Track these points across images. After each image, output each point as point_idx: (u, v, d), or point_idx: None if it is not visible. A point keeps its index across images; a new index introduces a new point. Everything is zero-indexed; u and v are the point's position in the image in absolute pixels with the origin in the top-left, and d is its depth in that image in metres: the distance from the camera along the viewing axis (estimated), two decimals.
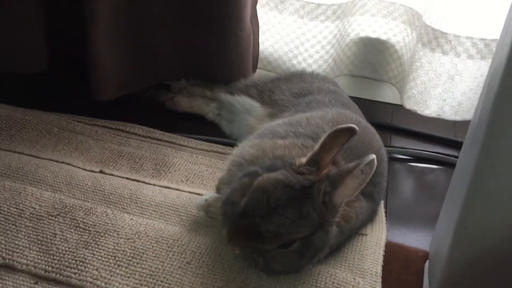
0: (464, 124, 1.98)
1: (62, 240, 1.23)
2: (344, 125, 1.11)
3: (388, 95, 2.18)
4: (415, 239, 1.48)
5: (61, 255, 1.20)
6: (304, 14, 1.90)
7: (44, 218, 1.28)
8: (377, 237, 1.37)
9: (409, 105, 1.90)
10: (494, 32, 1.69)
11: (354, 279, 1.21)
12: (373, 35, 2.02)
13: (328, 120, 1.42)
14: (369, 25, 2.01)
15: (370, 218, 1.38)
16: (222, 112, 1.88)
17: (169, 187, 1.50)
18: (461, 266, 1.07)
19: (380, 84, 2.17)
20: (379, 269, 1.26)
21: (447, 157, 1.82)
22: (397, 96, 2.09)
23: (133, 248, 1.24)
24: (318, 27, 1.91)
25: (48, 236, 1.24)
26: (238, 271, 1.20)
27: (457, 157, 1.81)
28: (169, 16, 1.80)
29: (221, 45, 1.83)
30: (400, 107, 2.14)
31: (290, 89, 1.74)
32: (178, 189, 1.50)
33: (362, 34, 2.03)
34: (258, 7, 1.96)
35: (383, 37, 2.01)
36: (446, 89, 1.80)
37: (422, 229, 1.54)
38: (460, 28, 1.70)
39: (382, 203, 1.55)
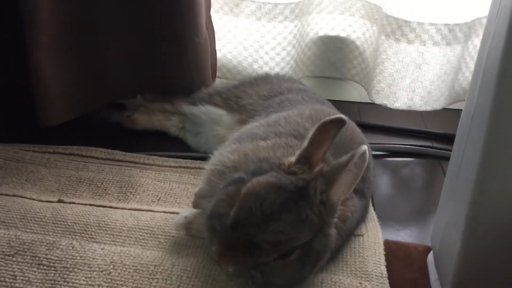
0: (432, 114, 1.96)
1: (24, 281, 1.06)
2: (332, 117, 1.02)
3: (352, 93, 2.13)
4: (409, 235, 1.41)
5: None
6: (262, 16, 1.82)
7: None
8: (374, 236, 1.28)
9: (378, 99, 1.85)
10: (456, 16, 1.67)
11: (361, 283, 1.11)
12: (332, 33, 1.97)
13: (307, 116, 1.33)
14: (327, 23, 1.95)
15: (363, 216, 1.29)
16: (186, 125, 1.75)
17: (140, 209, 1.35)
18: (476, 254, 1.00)
19: (344, 83, 2.11)
20: (384, 270, 1.17)
21: (424, 148, 1.78)
22: (363, 94, 2.04)
23: (109, 280, 1.08)
24: (277, 28, 1.83)
25: (7, 279, 1.06)
26: None
27: (431, 147, 1.78)
28: (117, 28, 1.67)
29: (178, 53, 1.71)
30: (366, 104, 2.10)
31: (257, 92, 1.64)
32: (150, 210, 1.35)
33: (321, 33, 1.97)
34: (212, 12, 1.86)
35: (342, 34, 1.96)
36: (414, 79, 1.76)
37: (414, 224, 1.47)
38: (423, 15, 1.67)
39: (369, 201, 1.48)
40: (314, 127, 1.03)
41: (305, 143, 1.04)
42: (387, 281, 1.14)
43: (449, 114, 2.03)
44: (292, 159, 1.06)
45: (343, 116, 1.03)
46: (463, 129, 1.08)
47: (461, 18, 1.67)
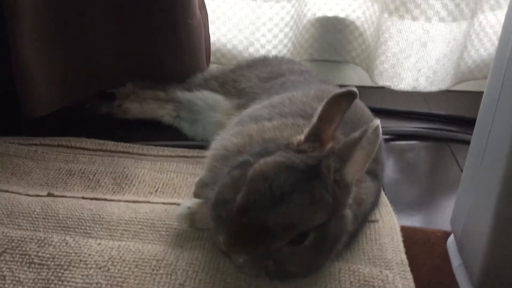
0: (435, 96, 1.89)
1: (14, 282, 0.96)
2: (343, 89, 0.95)
3: (352, 77, 2.04)
4: (423, 220, 1.33)
5: None
6: None
7: None
8: (389, 222, 1.20)
9: (382, 81, 1.77)
10: None
11: (381, 272, 1.03)
12: (330, 14, 1.88)
13: (313, 96, 1.24)
14: (325, 3, 1.87)
15: (377, 199, 1.21)
16: (181, 113, 1.65)
17: (137, 201, 1.25)
18: (508, 236, 0.92)
19: (343, 66, 2.03)
20: (404, 257, 1.09)
21: (433, 131, 1.71)
22: (363, 77, 1.96)
23: (108, 278, 0.99)
24: (273, 8, 1.74)
25: None
26: (246, 283, 0.98)
27: (437, 129, 1.71)
28: (106, 12, 1.56)
29: (171, 37, 1.61)
30: (367, 88, 2.02)
31: (257, 75, 1.55)
32: (148, 202, 1.25)
33: (319, 14, 1.89)
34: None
35: (341, 15, 1.88)
36: (419, 58, 1.69)
37: (427, 208, 1.40)
38: None
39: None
40: (324, 101, 0.95)
41: (315, 119, 0.96)
42: (408, 269, 1.06)
43: (452, 95, 1.97)
44: (301, 137, 0.98)
45: (354, 89, 0.95)
46: (485, 111, 1.01)
47: None
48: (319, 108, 0.95)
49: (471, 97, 2.00)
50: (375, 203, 1.19)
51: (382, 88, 1.81)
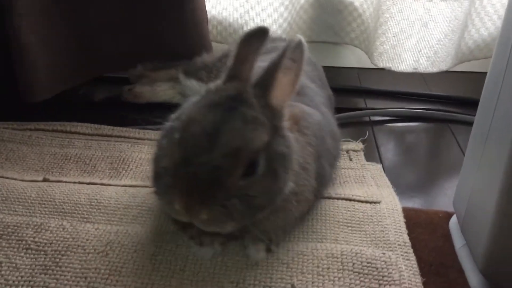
0: (434, 77, 1.86)
1: (10, 268, 0.94)
2: (253, 28, 0.94)
3: (351, 59, 2.02)
4: (425, 201, 1.32)
5: (14, 287, 0.90)
6: None
7: None
8: (391, 204, 1.18)
9: (382, 63, 1.74)
10: None
11: (384, 253, 1.02)
12: None
13: None
14: None
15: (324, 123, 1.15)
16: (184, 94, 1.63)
17: (135, 185, 1.23)
18: None
19: (341, 48, 2.00)
20: (406, 238, 1.08)
21: (432, 112, 1.68)
22: (362, 59, 1.94)
23: (107, 263, 0.97)
24: None
25: None
26: (246, 266, 0.96)
27: (438, 110, 1.69)
28: None
29: (176, 13, 1.58)
30: (366, 70, 2.01)
31: None
32: (146, 186, 1.22)
33: None
34: None
35: None
36: (420, 38, 1.66)
37: (428, 190, 1.38)
38: None
39: (381, 167, 1.38)
40: (237, 42, 0.94)
41: (231, 61, 0.95)
42: (411, 250, 1.05)
43: (452, 76, 1.95)
44: (220, 81, 0.95)
45: (264, 26, 0.94)
46: (490, 90, 0.98)
47: None
48: (234, 49, 0.94)
49: (470, 77, 1.98)
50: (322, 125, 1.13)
51: (382, 69, 1.79)
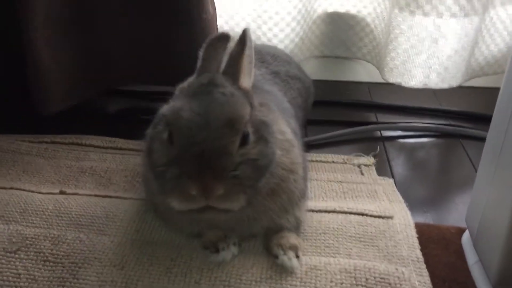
0: (445, 92, 1.88)
1: (29, 280, 0.96)
2: (216, 34, 1.09)
3: (362, 73, 2.03)
4: (437, 216, 1.32)
5: None
6: None
7: (0, 257, 1.00)
8: (403, 219, 1.19)
9: (392, 78, 1.75)
10: None
11: (397, 269, 1.02)
12: (342, 10, 1.87)
13: None
14: None
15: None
16: None
17: (145, 199, 1.24)
18: None
19: (352, 63, 2.02)
20: (419, 254, 1.08)
21: (443, 127, 1.69)
22: (373, 73, 1.95)
23: (123, 276, 0.98)
24: (280, 2, 1.73)
25: (10, 278, 0.95)
26: (261, 279, 0.97)
27: (449, 125, 1.70)
28: (121, 8, 1.55)
29: (186, 32, 1.60)
30: (376, 84, 2.02)
31: None
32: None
33: (330, 9, 1.87)
34: None
35: (353, 11, 1.86)
36: (431, 55, 1.67)
37: (440, 205, 1.38)
38: None
39: (392, 182, 1.39)
40: (203, 46, 1.06)
41: (199, 62, 1.05)
42: (424, 266, 1.05)
43: (463, 91, 1.96)
44: (191, 79, 1.04)
45: (226, 32, 1.07)
46: (503, 106, 0.99)
47: None
48: (201, 52, 1.06)
49: (482, 92, 1.99)
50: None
51: (393, 84, 1.80)
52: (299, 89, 1.52)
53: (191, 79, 1.04)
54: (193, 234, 1.07)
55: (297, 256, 1.02)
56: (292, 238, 1.05)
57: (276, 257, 1.02)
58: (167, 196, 0.88)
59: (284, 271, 1.00)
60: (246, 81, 1.01)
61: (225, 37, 1.06)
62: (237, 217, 0.98)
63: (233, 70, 1.00)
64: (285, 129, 1.07)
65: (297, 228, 1.09)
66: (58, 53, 1.49)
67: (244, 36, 1.00)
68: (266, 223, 1.03)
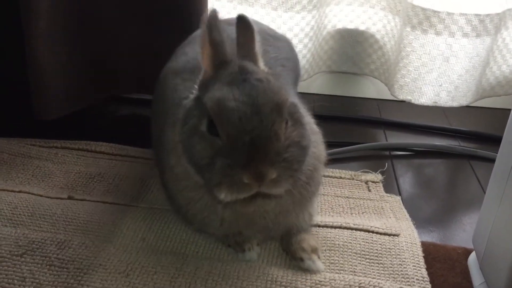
0: (455, 111, 1.88)
1: (34, 283, 0.96)
2: (208, 16, 0.97)
3: (371, 89, 2.04)
4: (444, 236, 1.31)
5: None
6: (278, 5, 1.73)
7: (6, 260, 1.01)
8: (410, 237, 1.19)
9: (402, 95, 1.76)
10: (487, 7, 1.59)
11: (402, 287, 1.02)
12: (351, 26, 1.88)
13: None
14: (346, 15, 1.87)
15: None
16: None
17: (153, 207, 1.25)
18: None
19: (362, 79, 2.03)
20: (425, 273, 1.08)
21: (452, 147, 1.69)
22: (382, 90, 1.96)
23: (127, 283, 0.99)
24: (294, 19, 1.75)
25: (15, 281, 0.96)
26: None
27: (458, 145, 1.70)
28: (124, 17, 1.56)
29: None
30: (386, 101, 2.02)
31: None
32: (167, 209, 1.24)
33: (339, 26, 1.88)
34: (226, 2, 1.77)
35: (362, 27, 1.88)
36: (441, 73, 1.67)
37: (447, 225, 1.37)
38: (452, 5, 1.59)
39: (400, 199, 1.39)
40: (206, 34, 0.97)
41: (211, 51, 0.97)
42: (429, 286, 1.05)
43: (474, 111, 1.96)
44: (206, 69, 0.99)
45: (212, 10, 0.97)
46: None
47: (492, 9, 1.59)
48: (207, 40, 0.96)
49: (492, 113, 1.98)
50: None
51: (402, 101, 1.80)
52: (293, 69, 1.49)
53: (209, 67, 0.98)
54: (224, 237, 1.10)
55: (319, 257, 1.08)
56: (311, 241, 1.10)
57: (302, 260, 1.06)
58: (216, 188, 0.87)
59: (294, 279, 1.02)
60: (262, 65, 1.01)
61: (212, 15, 0.98)
62: (281, 205, 0.99)
63: (250, 55, 0.99)
64: (305, 114, 1.06)
65: (311, 224, 1.14)
66: (61, 61, 1.51)
67: (248, 21, 0.99)
68: (292, 220, 1.07)
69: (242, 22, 0.99)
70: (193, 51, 1.24)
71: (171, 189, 1.09)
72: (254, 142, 0.85)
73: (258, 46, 1.01)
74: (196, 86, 1.00)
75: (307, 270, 1.06)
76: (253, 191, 0.86)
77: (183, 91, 1.09)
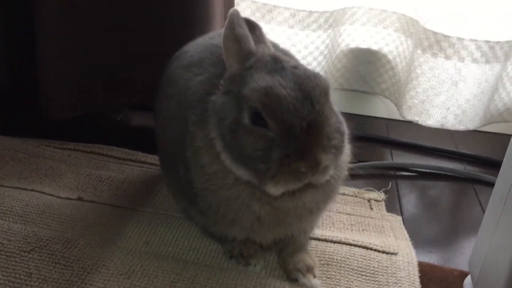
0: (462, 135, 1.89)
1: (39, 280, 1.00)
2: (230, 17, 0.95)
3: (381, 109, 2.06)
4: (442, 258, 1.33)
5: None
6: (295, 24, 1.77)
7: (15, 255, 1.05)
8: (407, 256, 1.20)
9: (410, 116, 1.78)
10: (497, 34, 1.61)
11: None
12: (363, 45, 1.92)
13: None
14: (360, 34, 1.90)
15: None
16: None
17: (160, 213, 1.29)
18: None
19: (372, 98, 2.05)
20: None
21: (457, 170, 1.71)
22: (391, 110, 1.98)
23: (128, 285, 1.02)
24: (310, 37, 1.79)
25: (22, 276, 1.00)
26: None
27: (463, 168, 1.71)
28: (138, 28, 1.59)
29: None
30: (395, 121, 2.05)
31: None
32: (171, 215, 1.28)
33: (352, 45, 1.92)
34: None
35: (374, 47, 1.91)
36: (449, 96, 1.70)
37: (446, 247, 1.39)
38: (463, 31, 1.61)
39: (400, 219, 1.41)
40: (229, 31, 0.95)
41: (235, 46, 0.95)
42: None
43: (480, 136, 1.97)
44: (234, 64, 0.96)
45: (233, 9, 0.96)
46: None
47: (503, 36, 1.61)
48: (230, 37, 0.95)
49: (500, 139, 1.99)
50: None
51: (410, 122, 1.83)
52: None
53: (240, 62, 0.95)
54: (231, 247, 1.13)
55: (314, 276, 1.09)
56: (307, 260, 1.12)
57: (296, 280, 1.09)
58: (272, 179, 0.85)
59: None
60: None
61: (236, 11, 0.97)
62: (321, 194, 0.98)
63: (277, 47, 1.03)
64: None
65: (307, 239, 1.16)
66: (73, 65, 1.55)
67: (253, 21, 1.01)
68: (304, 226, 1.06)
69: (248, 22, 0.99)
70: (192, 47, 1.24)
71: (197, 190, 1.00)
72: (309, 129, 0.84)
73: (268, 41, 1.03)
74: (221, 82, 0.98)
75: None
76: (307, 180, 0.85)
77: (198, 87, 1.05)
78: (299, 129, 0.84)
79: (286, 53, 1.17)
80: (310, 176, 0.85)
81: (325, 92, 0.88)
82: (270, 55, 0.94)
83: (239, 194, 0.96)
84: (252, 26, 1.01)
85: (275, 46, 1.17)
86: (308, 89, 0.86)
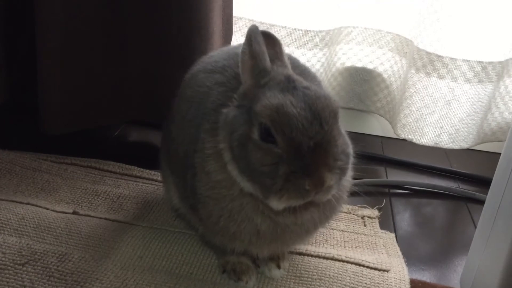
0: (456, 153, 1.91)
1: None
2: (249, 34, 0.98)
3: (376, 127, 2.08)
4: (434, 275, 1.33)
5: None
6: (291, 42, 1.81)
7: (9, 268, 1.05)
8: (399, 274, 1.21)
9: (404, 134, 1.80)
10: (490, 54, 1.64)
11: None
12: (359, 64, 1.95)
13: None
14: (355, 54, 1.93)
15: None
16: None
17: (153, 227, 1.29)
18: None
19: (367, 116, 2.08)
20: None
21: (451, 188, 1.72)
22: (386, 128, 2.00)
23: None
24: (305, 55, 1.81)
25: None
26: None
27: (456, 188, 1.72)
28: (138, 45, 1.61)
29: None
30: (390, 139, 2.06)
31: None
32: (166, 229, 1.29)
33: (348, 64, 1.95)
34: (239, 35, 1.84)
35: (369, 66, 1.94)
36: (443, 115, 1.72)
37: (438, 264, 1.40)
38: (456, 51, 1.64)
39: (394, 236, 1.42)
40: (246, 47, 0.97)
41: (250, 61, 0.97)
42: None
43: (474, 154, 1.99)
44: (247, 79, 0.98)
45: (253, 25, 0.99)
46: (501, 173, 1.04)
47: (495, 57, 1.64)
48: (247, 53, 0.97)
49: (494, 157, 2.00)
50: None
51: (405, 140, 1.85)
52: None
53: (252, 78, 0.97)
54: (225, 262, 1.14)
55: (279, 267, 1.12)
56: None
57: (258, 266, 1.14)
58: (276, 194, 0.87)
59: None
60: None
61: (256, 27, 0.99)
62: (320, 214, 1.01)
63: (282, 66, 1.00)
64: None
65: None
66: (69, 81, 1.56)
67: (273, 35, 1.02)
68: (304, 240, 1.11)
69: (269, 37, 1.02)
70: (217, 53, 1.24)
71: (200, 196, 1.01)
72: (316, 148, 0.86)
73: (286, 58, 1.03)
74: (235, 96, 1.00)
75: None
76: (310, 198, 0.87)
77: (217, 97, 1.06)
78: (306, 147, 0.86)
79: (304, 70, 1.18)
80: (313, 194, 0.86)
81: (334, 114, 0.90)
82: (284, 74, 0.96)
83: (243, 206, 0.97)
84: (273, 41, 1.03)
85: (295, 61, 1.19)
86: (318, 109, 0.88)
